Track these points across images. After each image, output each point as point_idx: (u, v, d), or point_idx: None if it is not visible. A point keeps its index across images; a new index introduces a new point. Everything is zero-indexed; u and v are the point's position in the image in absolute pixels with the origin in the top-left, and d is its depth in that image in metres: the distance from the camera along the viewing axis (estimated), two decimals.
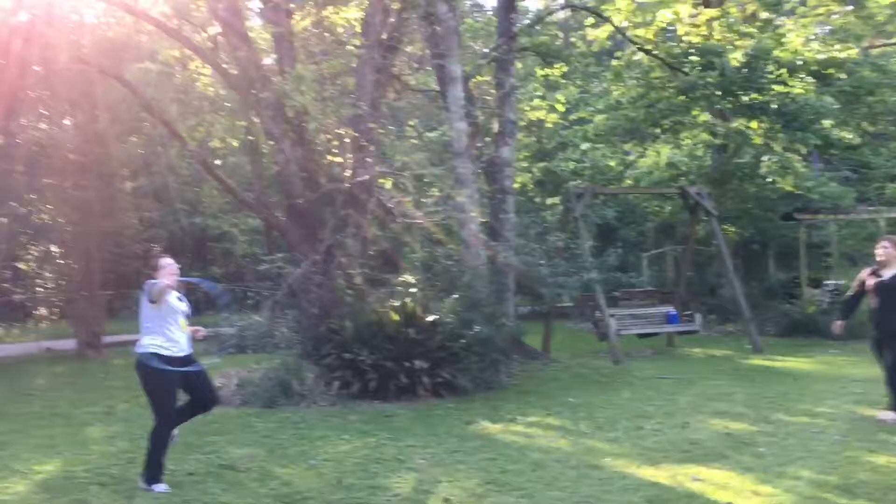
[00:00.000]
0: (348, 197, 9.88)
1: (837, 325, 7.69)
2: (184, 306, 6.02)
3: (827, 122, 15.41)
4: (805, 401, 8.47)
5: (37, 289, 21.30)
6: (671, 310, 14.15)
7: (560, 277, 10.72)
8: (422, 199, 10.60)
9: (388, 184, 9.67)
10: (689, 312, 14.48)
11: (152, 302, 5.75)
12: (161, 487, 5.78)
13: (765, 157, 15.40)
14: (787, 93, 14.70)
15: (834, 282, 17.41)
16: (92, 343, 17.09)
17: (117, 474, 6.42)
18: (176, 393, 5.92)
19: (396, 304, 10.22)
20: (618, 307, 14.67)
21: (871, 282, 7.33)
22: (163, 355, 5.75)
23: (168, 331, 5.81)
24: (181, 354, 5.86)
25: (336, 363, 9.77)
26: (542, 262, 10.98)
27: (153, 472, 5.83)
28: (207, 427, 8.40)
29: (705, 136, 17.32)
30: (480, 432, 7.61)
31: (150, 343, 5.78)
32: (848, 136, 16.66)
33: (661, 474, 5.76)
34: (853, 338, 13.77)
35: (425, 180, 10.73)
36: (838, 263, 17.99)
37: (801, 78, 14.76)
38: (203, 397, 6.06)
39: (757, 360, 12.23)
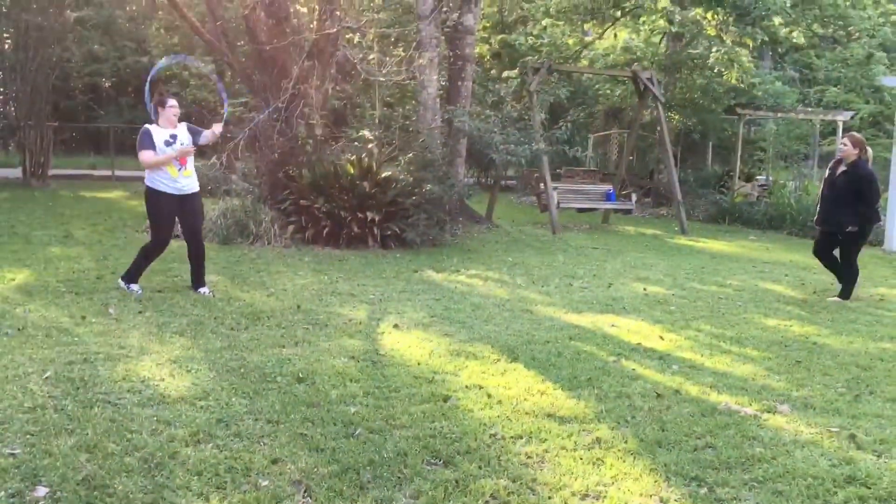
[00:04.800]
0: (314, 48, 10.05)
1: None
2: (182, 144, 6.69)
3: (777, 20, 15.86)
4: (718, 275, 9.40)
5: None
6: (610, 188, 14.92)
7: (511, 146, 11.24)
8: (385, 59, 10.80)
9: (354, 39, 9.83)
10: (626, 192, 15.29)
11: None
12: (135, 287, 6.85)
13: (714, 49, 15.88)
14: None
15: (764, 177, 18.45)
16: (36, 173, 17.05)
17: (88, 287, 6.93)
18: (171, 220, 6.92)
19: (353, 157, 10.66)
20: (561, 183, 15.38)
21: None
22: (161, 191, 6.68)
23: (165, 171, 6.67)
24: (178, 193, 6.72)
25: (292, 209, 10.27)
26: (496, 129, 11.46)
27: (131, 274, 6.93)
28: (167, 255, 8.89)
29: (662, 23, 17.62)
30: (426, 279, 8.32)
31: (151, 177, 6.70)
32: (794, 35, 17.16)
33: (583, 320, 6.57)
34: (772, 228, 15.02)
35: (392, 39, 10.88)
36: (772, 160, 18.95)
37: None
38: (185, 230, 7.09)
39: (682, 240, 13.19)
